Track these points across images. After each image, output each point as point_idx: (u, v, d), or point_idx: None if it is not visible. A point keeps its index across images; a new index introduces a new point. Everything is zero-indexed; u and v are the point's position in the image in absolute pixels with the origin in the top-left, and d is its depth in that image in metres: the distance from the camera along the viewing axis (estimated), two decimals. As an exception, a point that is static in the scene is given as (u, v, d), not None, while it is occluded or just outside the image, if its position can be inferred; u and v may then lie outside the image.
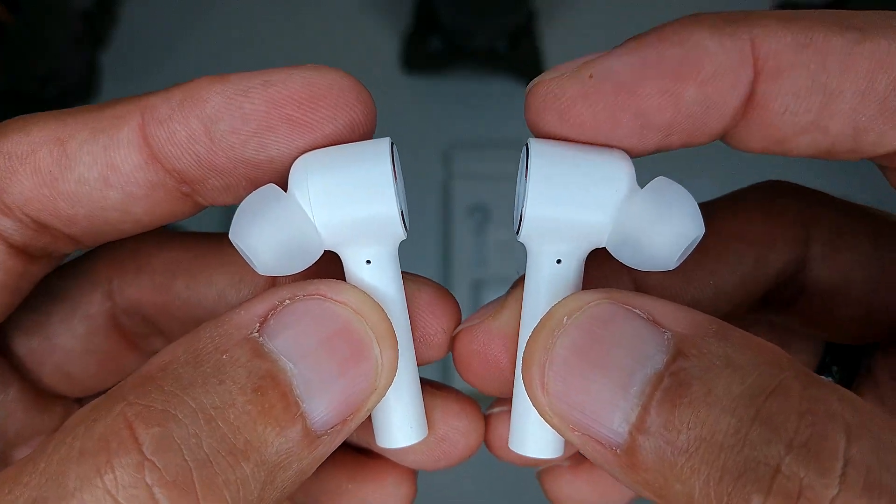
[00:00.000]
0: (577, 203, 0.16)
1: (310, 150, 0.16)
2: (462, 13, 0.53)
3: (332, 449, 0.16)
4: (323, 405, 0.15)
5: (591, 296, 0.15)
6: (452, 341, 0.19)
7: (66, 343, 0.20)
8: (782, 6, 0.58)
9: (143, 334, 0.21)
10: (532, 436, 0.17)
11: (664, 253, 0.15)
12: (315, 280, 0.16)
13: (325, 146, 0.16)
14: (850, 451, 0.12)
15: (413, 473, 0.21)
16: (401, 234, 0.16)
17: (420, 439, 0.18)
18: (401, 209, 0.16)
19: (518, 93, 0.58)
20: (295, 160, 0.16)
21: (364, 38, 0.59)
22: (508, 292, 0.19)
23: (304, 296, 0.16)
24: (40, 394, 0.21)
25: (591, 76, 0.15)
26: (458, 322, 0.19)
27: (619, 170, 0.16)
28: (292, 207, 0.16)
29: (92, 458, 0.13)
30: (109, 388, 0.21)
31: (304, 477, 0.15)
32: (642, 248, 0.16)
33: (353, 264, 0.17)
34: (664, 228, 0.15)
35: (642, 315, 0.15)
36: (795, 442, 0.12)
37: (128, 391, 0.14)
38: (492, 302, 0.19)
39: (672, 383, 0.14)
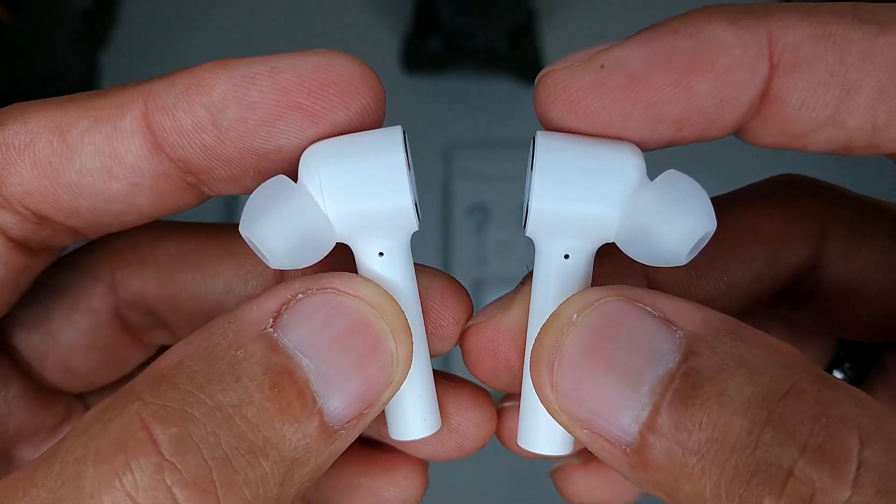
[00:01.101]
0: (584, 197, 0.15)
1: (320, 139, 0.16)
2: (462, 13, 0.53)
3: (348, 443, 0.16)
4: (339, 400, 0.15)
5: (601, 293, 0.15)
6: (462, 337, 0.19)
7: (68, 338, 0.20)
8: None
9: (146, 327, 0.21)
10: (541, 432, 0.17)
11: (674, 248, 0.15)
12: (328, 273, 0.16)
13: (335, 135, 0.16)
14: (863, 454, 0.12)
15: (424, 465, 0.21)
16: (414, 225, 0.16)
17: (434, 431, 0.18)
18: (414, 200, 0.16)
19: (518, 93, 0.58)
20: (305, 150, 0.16)
21: (364, 38, 0.59)
22: (517, 288, 0.19)
23: (317, 290, 0.15)
24: (42, 390, 0.20)
25: (602, 66, 0.15)
26: (470, 313, 0.18)
27: (629, 163, 0.15)
28: (304, 199, 0.15)
29: (109, 459, 0.13)
30: (112, 383, 0.21)
31: (321, 472, 0.15)
32: (652, 244, 0.15)
33: (366, 256, 0.16)
34: (675, 223, 0.15)
35: (654, 313, 0.14)
36: (809, 445, 0.12)
37: (141, 390, 0.14)
38: (501, 298, 0.19)
39: (684, 384, 0.13)
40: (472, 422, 0.19)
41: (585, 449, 0.20)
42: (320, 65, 0.15)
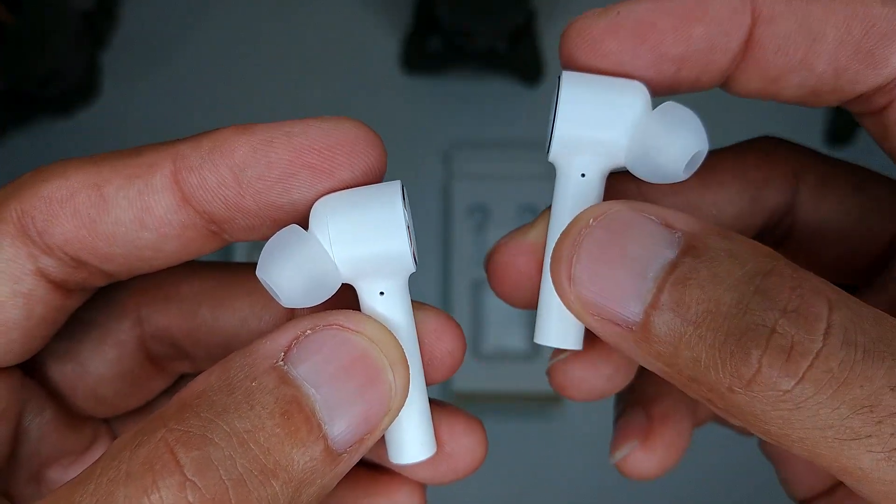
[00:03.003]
0: (600, 123, 0.18)
1: (328, 193, 0.18)
2: (462, 13, 0.53)
3: (350, 466, 0.17)
4: (343, 426, 0.16)
5: (613, 204, 0.17)
6: (488, 256, 0.22)
7: (97, 368, 0.22)
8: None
9: (169, 358, 0.23)
10: (555, 328, 0.20)
11: (673, 164, 0.18)
12: (333, 311, 0.17)
13: (341, 189, 0.18)
14: (831, 316, 0.15)
15: (422, 488, 0.22)
16: (411, 267, 0.18)
17: (429, 455, 0.19)
18: (412, 246, 0.18)
19: (518, 93, 0.58)
20: (315, 203, 0.18)
21: (364, 39, 0.59)
22: (538, 216, 0.21)
23: (323, 326, 0.17)
24: (72, 416, 0.22)
25: (618, 13, 0.18)
26: (463, 345, 0.20)
27: (636, 95, 0.18)
28: (314, 246, 0.17)
29: (138, 479, 0.15)
30: (136, 409, 0.23)
31: (326, 492, 0.17)
32: (655, 161, 0.18)
33: (368, 296, 0.18)
34: (673, 141, 0.18)
35: (657, 220, 0.17)
36: (788, 308, 0.15)
37: (168, 418, 0.16)
38: (521, 226, 0.22)
39: (683, 269, 0.16)
40: (466, 447, 0.21)
41: (637, 428, 0.24)
42: (329, 130, 0.18)
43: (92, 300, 0.21)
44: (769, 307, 0.15)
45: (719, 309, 0.15)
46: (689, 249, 0.16)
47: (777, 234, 0.23)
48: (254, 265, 0.18)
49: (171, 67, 0.59)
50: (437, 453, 0.20)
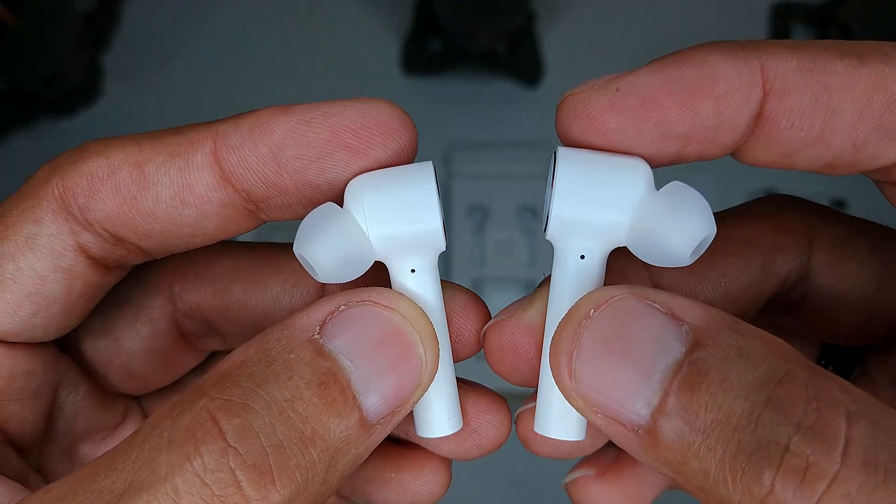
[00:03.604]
0: (599, 203, 0.17)
1: (362, 172, 0.18)
2: (462, 15, 0.53)
3: (382, 437, 0.18)
4: (376, 398, 0.17)
5: (616, 291, 0.16)
6: (484, 335, 0.21)
7: (131, 345, 0.22)
8: (778, 6, 0.58)
9: (200, 335, 0.23)
10: (556, 419, 0.19)
11: (679, 249, 0.17)
12: (366, 288, 0.18)
13: (375, 169, 0.18)
14: (850, 432, 0.14)
15: (448, 463, 0.23)
16: (442, 246, 0.18)
17: (456, 430, 0.20)
18: (443, 224, 0.18)
19: (518, 94, 0.58)
20: (350, 181, 0.18)
21: (364, 40, 0.60)
22: (535, 290, 0.20)
23: (357, 302, 0.17)
24: (105, 392, 0.22)
25: (617, 89, 0.17)
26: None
27: (638, 174, 0.17)
28: (350, 223, 0.18)
29: (181, 446, 0.15)
30: (167, 386, 0.24)
31: (359, 462, 0.17)
32: (659, 246, 0.17)
33: (399, 273, 0.19)
34: (679, 227, 0.17)
35: (662, 310, 0.16)
36: (803, 424, 0.14)
37: (208, 387, 0.16)
38: (519, 299, 0.21)
39: (691, 371, 0.15)
40: (491, 423, 0.21)
41: (599, 460, 0.23)
42: (365, 111, 0.18)
43: (126, 278, 0.21)
44: (783, 421, 0.14)
45: (730, 420, 0.14)
46: (697, 346, 0.15)
47: (791, 299, 0.22)
48: (285, 245, 0.18)
49: (172, 68, 0.59)
50: (462, 429, 0.20)
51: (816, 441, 0.14)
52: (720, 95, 0.17)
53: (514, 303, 0.21)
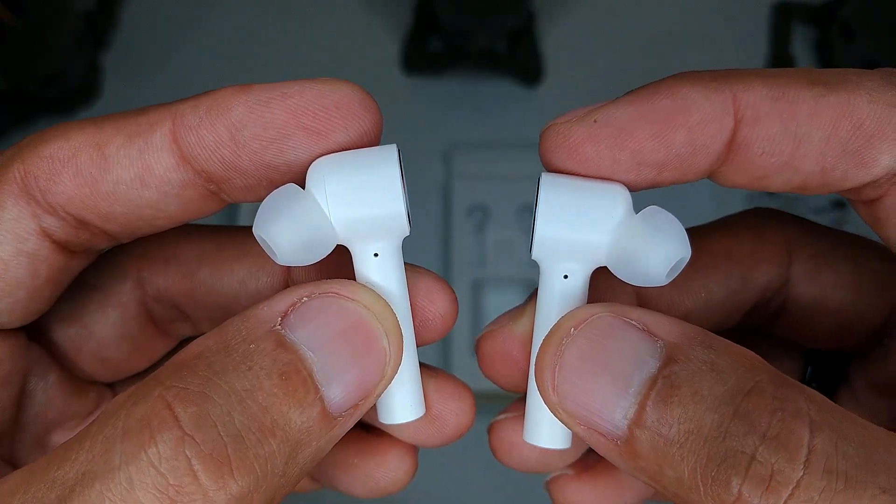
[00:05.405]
0: (580, 226, 0.18)
1: (324, 155, 0.18)
2: (462, 14, 0.53)
3: (345, 430, 0.18)
4: (339, 390, 0.17)
5: (595, 309, 0.17)
6: (478, 343, 0.22)
7: (100, 330, 0.22)
8: (778, 6, 0.58)
9: (170, 320, 0.23)
10: (544, 429, 0.20)
11: (655, 271, 0.18)
12: (329, 280, 0.18)
13: (337, 151, 0.18)
14: (813, 441, 0.15)
15: (414, 450, 0.23)
16: (406, 230, 0.18)
17: (418, 416, 0.20)
18: (407, 208, 0.18)
19: (517, 94, 0.58)
20: (312, 163, 0.18)
21: (364, 39, 0.60)
22: (526, 302, 0.21)
23: (320, 293, 0.17)
24: (76, 379, 0.22)
25: (595, 121, 0.18)
26: (454, 307, 0.21)
27: (617, 199, 0.18)
28: (311, 205, 0.18)
29: (135, 435, 0.15)
30: (139, 372, 0.23)
31: (321, 455, 0.17)
32: (636, 267, 0.18)
33: (362, 257, 0.19)
34: (655, 249, 0.17)
35: (638, 326, 0.17)
36: (768, 434, 0.15)
37: (165, 377, 0.16)
38: (512, 309, 0.22)
39: (664, 385, 0.16)
40: (453, 411, 0.21)
41: (578, 461, 0.24)
42: (325, 92, 0.18)
43: (94, 263, 0.21)
44: (749, 432, 0.15)
45: (700, 431, 0.15)
46: (671, 361, 0.16)
47: (771, 309, 0.23)
48: (251, 228, 0.18)
49: (171, 68, 0.59)
50: (424, 415, 0.20)
51: (780, 450, 0.15)
52: (693, 125, 0.17)
53: (505, 313, 0.22)
